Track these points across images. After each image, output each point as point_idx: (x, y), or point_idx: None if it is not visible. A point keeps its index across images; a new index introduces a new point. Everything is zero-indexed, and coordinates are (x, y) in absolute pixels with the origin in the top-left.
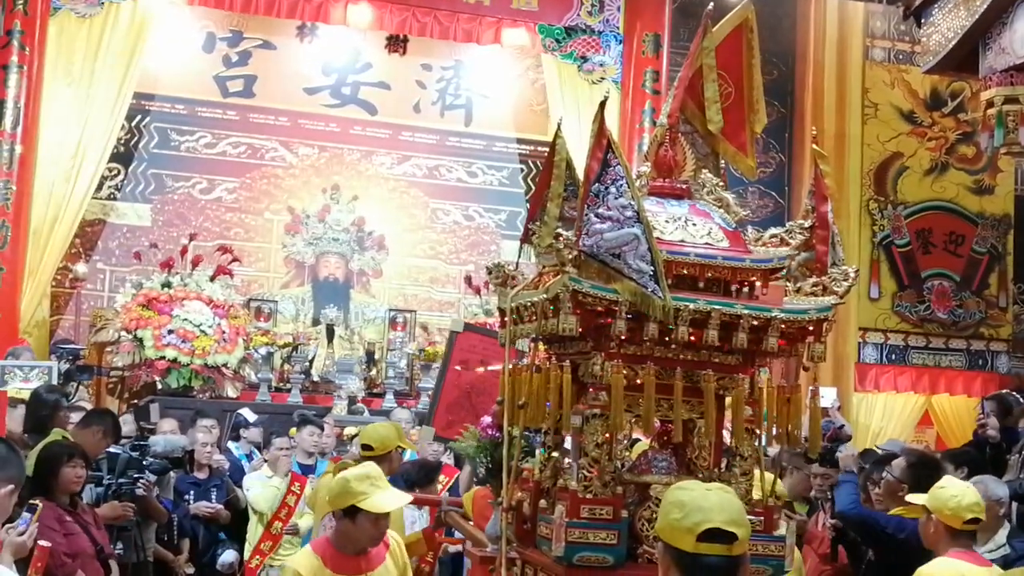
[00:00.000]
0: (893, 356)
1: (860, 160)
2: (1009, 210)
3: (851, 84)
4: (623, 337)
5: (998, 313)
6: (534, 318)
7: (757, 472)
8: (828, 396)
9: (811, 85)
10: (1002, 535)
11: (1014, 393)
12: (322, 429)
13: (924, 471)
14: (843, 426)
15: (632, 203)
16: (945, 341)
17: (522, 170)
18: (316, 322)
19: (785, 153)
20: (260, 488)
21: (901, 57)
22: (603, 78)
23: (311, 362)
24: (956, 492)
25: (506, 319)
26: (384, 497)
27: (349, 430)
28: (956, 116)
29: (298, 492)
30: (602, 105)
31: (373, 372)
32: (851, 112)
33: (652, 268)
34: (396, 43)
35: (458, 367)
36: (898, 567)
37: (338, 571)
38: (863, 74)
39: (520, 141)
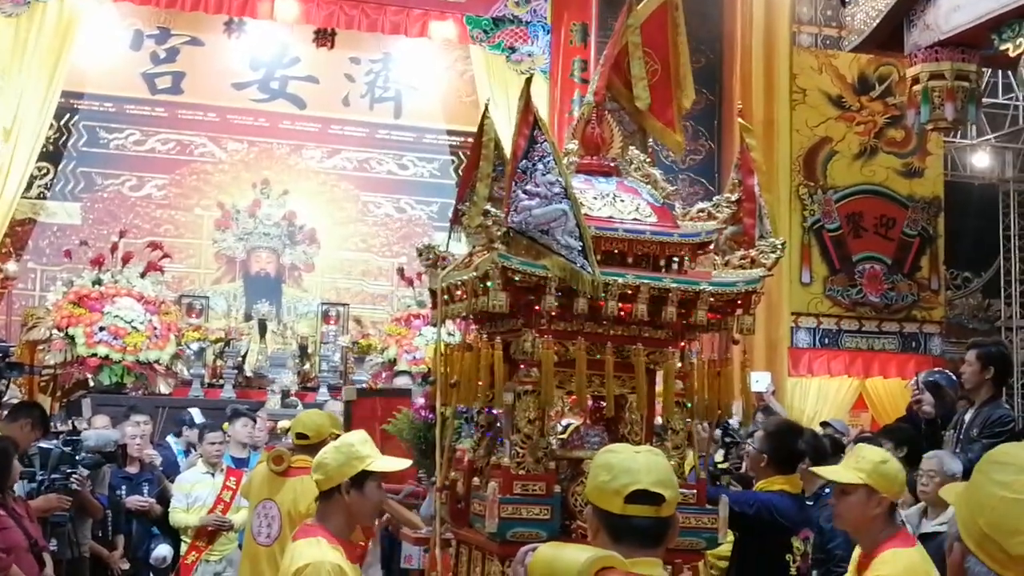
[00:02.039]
0: (826, 340)
1: (789, 146)
2: (939, 193)
3: (779, 70)
4: (553, 313)
5: (930, 296)
6: (465, 297)
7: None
8: (762, 381)
9: (739, 72)
10: (952, 509)
11: (947, 372)
12: (255, 422)
13: (780, 440)
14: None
15: (560, 179)
16: (878, 324)
17: (453, 161)
18: (248, 317)
19: (714, 140)
20: (185, 499)
21: (828, 42)
22: (531, 68)
23: (244, 357)
24: (899, 465)
25: (437, 300)
26: (387, 459)
27: (283, 423)
28: (884, 100)
29: (233, 487)
30: (528, 81)
31: (306, 366)
32: (779, 98)
33: (581, 244)
34: (324, 37)
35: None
36: (750, 544)
37: (350, 560)
38: (791, 60)
39: (450, 132)
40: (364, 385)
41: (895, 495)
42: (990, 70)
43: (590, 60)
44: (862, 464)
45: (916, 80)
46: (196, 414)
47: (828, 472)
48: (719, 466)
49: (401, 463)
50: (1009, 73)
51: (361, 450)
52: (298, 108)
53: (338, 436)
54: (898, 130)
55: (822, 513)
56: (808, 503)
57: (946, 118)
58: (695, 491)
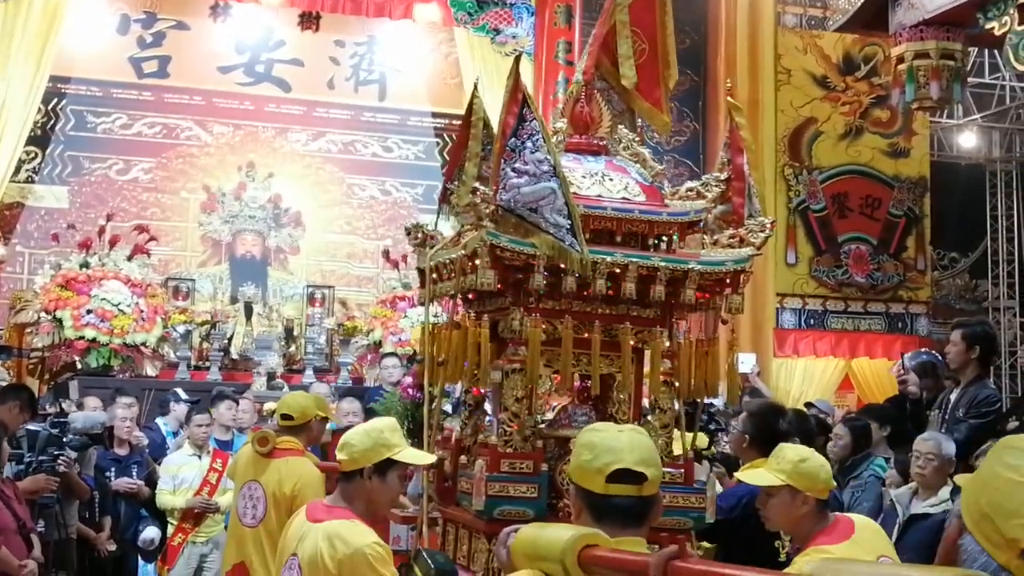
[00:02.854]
0: (812, 321)
1: (774, 126)
2: (925, 173)
3: (764, 51)
4: (541, 292)
5: (916, 276)
6: (453, 275)
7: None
8: (748, 362)
9: (724, 52)
10: (945, 491)
11: (933, 352)
12: (238, 404)
13: (763, 420)
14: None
15: (548, 157)
16: (864, 305)
17: (437, 143)
18: (234, 300)
19: (699, 121)
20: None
21: (813, 23)
22: (516, 50)
23: (230, 340)
24: (820, 461)
25: (425, 279)
26: (415, 451)
27: (269, 405)
28: (869, 80)
29: (220, 469)
30: (517, 60)
31: (292, 348)
32: (764, 79)
33: (569, 222)
34: (308, 20)
35: None
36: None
37: None
38: (775, 40)
39: (435, 115)
40: (348, 370)
41: (819, 492)
42: (976, 49)
43: (574, 42)
44: (782, 465)
45: (901, 59)
46: (180, 392)
47: (748, 476)
48: (704, 453)
49: (427, 457)
50: (995, 52)
51: (390, 438)
52: (283, 91)
53: (324, 418)
54: (883, 110)
55: None
56: None
57: (931, 97)
58: (682, 470)
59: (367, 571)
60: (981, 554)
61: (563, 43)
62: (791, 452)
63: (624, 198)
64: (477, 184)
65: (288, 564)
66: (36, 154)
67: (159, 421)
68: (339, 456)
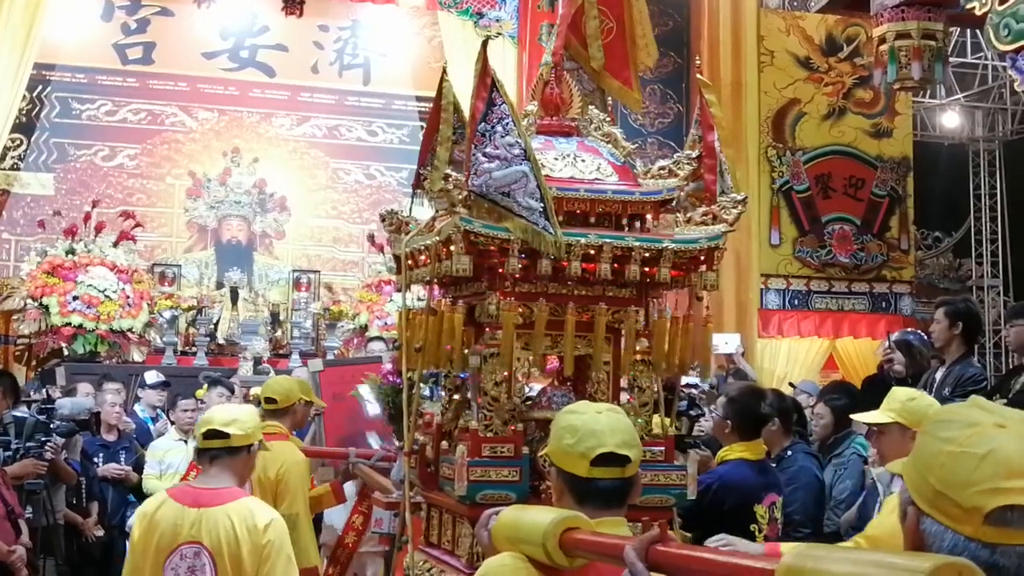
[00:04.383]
0: (796, 301)
1: (757, 108)
2: (908, 153)
3: (746, 32)
4: (517, 275)
5: (900, 256)
6: (428, 262)
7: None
8: (732, 343)
9: (706, 34)
10: None
11: (919, 332)
12: (232, 392)
13: (743, 405)
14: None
15: (519, 141)
16: (847, 285)
17: (422, 127)
18: (220, 285)
19: (682, 102)
20: (158, 466)
21: (795, 4)
22: (499, 33)
23: (216, 325)
24: (929, 400)
25: (401, 265)
26: None
27: (255, 390)
28: (852, 61)
29: None
30: (484, 44)
31: (278, 333)
32: (747, 60)
33: (542, 205)
34: (292, 5)
35: (331, 400)
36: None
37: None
38: (758, 22)
39: (419, 98)
40: (335, 354)
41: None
42: (958, 29)
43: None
44: (892, 404)
45: (882, 40)
46: (150, 375)
47: (860, 416)
48: (686, 440)
49: None
50: (977, 32)
51: None
52: (267, 76)
53: (309, 402)
54: (866, 91)
55: (782, 477)
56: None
57: (913, 77)
58: (663, 448)
59: (285, 538)
60: (946, 532)
61: (547, 26)
62: (902, 393)
63: (596, 179)
64: (449, 170)
65: (180, 553)
66: (21, 141)
67: (136, 408)
68: (231, 431)
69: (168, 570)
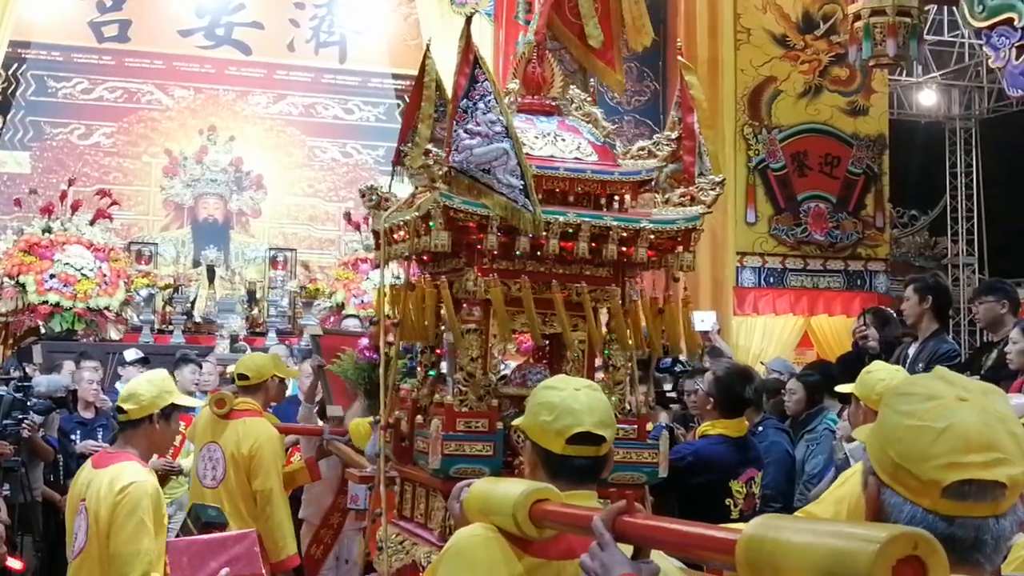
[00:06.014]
0: (771, 279)
1: (734, 85)
2: (884, 131)
3: (723, 10)
4: (495, 252)
5: (875, 233)
6: (408, 237)
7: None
8: (708, 320)
9: (683, 12)
10: None
11: (889, 310)
12: (201, 367)
13: (728, 385)
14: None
15: (500, 118)
16: (823, 263)
17: (398, 105)
18: (197, 263)
19: (659, 81)
20: None
21: None
22: (476, 10)
23: (193, 303)
24: (884, 375)
25: (380, 241)
26: (187, 396)
27: (232, 368)
28: (828, 39)
29: (182, 432)
30: (468, 20)
31: (255, 311)
32: (724, 38)
33: (522, 182)
34: None
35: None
36: (686, 495)
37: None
38: None
39: (395, 76)
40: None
41: (873, 403)
42: (935, 7)
43: (534, 1)
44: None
45: (858, 17)
46: (129, 353)
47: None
48: (666, 395)
49: (196, 401)
50: (953, 9)
51: (169, 386)
52: (243, 54)
53: (281, 380)
54: (843, 68)
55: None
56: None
57: (888, 54)
58: (635, 426)
59: (141, 503)
60: (904, 504)
61: (523, 3)
62: (873, 379)
63: (576, 158)
64: (430, 146)
65: (78, 510)
66: None
67: (118, 386)
68: (127, 406)
69: (75, 525)
